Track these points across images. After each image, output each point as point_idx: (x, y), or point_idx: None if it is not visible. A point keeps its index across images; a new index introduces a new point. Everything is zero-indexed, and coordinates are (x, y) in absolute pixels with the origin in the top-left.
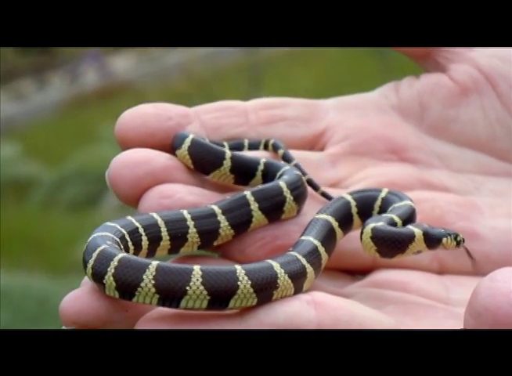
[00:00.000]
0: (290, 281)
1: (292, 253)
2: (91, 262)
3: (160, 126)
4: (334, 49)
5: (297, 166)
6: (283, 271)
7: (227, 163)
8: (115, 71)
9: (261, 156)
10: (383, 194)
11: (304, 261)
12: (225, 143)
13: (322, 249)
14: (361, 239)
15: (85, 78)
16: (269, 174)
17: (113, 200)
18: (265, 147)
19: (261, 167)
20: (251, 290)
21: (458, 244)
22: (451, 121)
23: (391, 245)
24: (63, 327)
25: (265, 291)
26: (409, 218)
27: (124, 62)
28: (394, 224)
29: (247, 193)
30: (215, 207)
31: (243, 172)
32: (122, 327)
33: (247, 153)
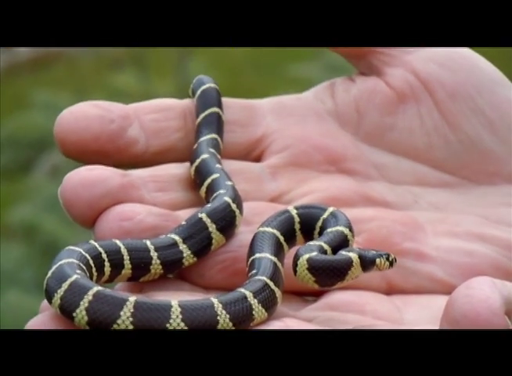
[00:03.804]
0: (264, 311)
1: (260, 278)
2: (59, 292)
3: (102, 130)
4: None
5: None
6: (256, 301)
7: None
8: None
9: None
10: (325, 215)
11: (272, 285)
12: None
13: (279, 264)
14: (295, 271)
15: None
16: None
17: (45, 166)
18: None
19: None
20: (230, 324)
21: (391, 264)
22: (388, 129)
23: (331, 274)
24: None
25: (243, 323)
26: (339, 244)
27: None
28: (324, 252)
29: (202, 215)
30: (176, 237)
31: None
32: None
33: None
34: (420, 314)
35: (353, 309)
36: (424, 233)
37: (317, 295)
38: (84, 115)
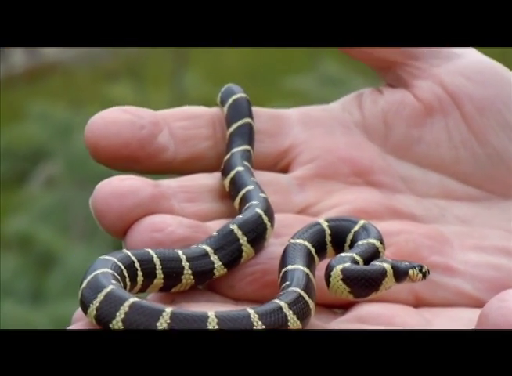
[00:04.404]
0: (298, 322)
1: (295, 289)
2: (95, 303)
3: (133, 136)
4: None
5: None
6: (291, 312)
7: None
8: (43, 51)
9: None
10: (356, 228)
11: (306, 296)
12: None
13: (311, 276)
14: (327, 282)
15: (14, 59)
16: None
17: (41, 177)
18: None
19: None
20: None
21: (424, 275)
22: (415, 142)
23: (365, 284)
24: None
25: None
26: (371, 256)
27: None
28: (356, 263)
29: (234, 227)
30: (207, 247)
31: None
32: None
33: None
34: (449, 327)
35: (382, 321)
36: (451, 247)
37: (345, 308)
38: (114, 120)
